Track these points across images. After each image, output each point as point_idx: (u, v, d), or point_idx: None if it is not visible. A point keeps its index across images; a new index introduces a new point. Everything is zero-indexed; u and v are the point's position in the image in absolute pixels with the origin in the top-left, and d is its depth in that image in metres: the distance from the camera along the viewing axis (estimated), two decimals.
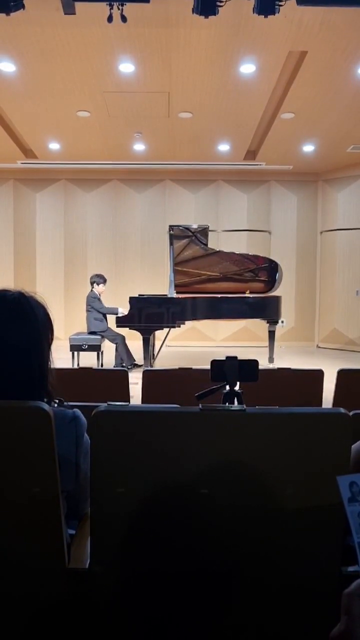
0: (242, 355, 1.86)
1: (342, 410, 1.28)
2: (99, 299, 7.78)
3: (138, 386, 2.97)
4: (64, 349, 7.31)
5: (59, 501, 1.31)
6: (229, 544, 1.32)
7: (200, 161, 9.80)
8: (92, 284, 7.91)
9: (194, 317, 7.57)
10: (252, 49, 5.64)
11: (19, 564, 1.35)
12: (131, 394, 3.00)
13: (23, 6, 4.50)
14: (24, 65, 6.04)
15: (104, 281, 7.92)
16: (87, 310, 7.78)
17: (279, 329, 8.66)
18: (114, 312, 7.64)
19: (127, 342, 7.72)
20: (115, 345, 7.66)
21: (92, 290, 7.87)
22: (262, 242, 10.60)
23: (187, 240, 7.97)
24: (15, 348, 1.37)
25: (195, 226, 8.20)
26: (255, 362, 1.83)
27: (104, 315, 7.75)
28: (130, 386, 2.96)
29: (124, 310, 7.45)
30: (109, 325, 7.74)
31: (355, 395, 2.80)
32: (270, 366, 7.56)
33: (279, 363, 7.78)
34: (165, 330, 7.72)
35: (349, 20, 4.99)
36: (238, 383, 1.85)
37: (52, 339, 1.46)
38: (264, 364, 7.61)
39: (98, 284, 7.86)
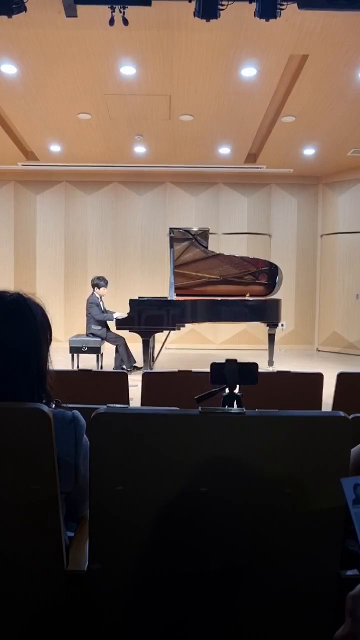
0: (242, 358, 1.86)
1: (341, 413, 1.28)
2: (97, 304, 7.69)
3: (137, 388, 2.96)
4: (64, 351, 7.30)
5: (58, 503, 1.31)
6: (228, 546, 1.32)
7: (200, 164, 9.81)
8: (93, 286, 7.82)
9: (194, 320, 7.57)
10: (253, 52, 5.66)
11: (18, 565, 1.35)
12: (130, 396, 2.99)
13: (25, 8, 4.50)
14: (25, 68, 6.05)
15: (106, 284, 7.81)
16: (87, 316, 7.74)
17: (279, 332, 8.66)
18: (109, 318, 7.59)
19: (127, 344, 7.71)
20: (115, 346, 7.65)
21: (92, 294, 7.76)
22: (262, 245, 10.61)
23: (188, 242, 7.98)
24: (14, 349, 1.37)
25: (195, 229, 8.20)
26: (255, 365, 1.83)
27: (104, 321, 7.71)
28: (130, 388, 2.95)
29: (121, 314, 7.41)
30: (109, 329, 7.71)
31: (355, 398, 2.80)
32: (270, 369, 7.56)
33: (279, 366, 7.78)
34: (165, 332, 7.71)
35: (350, 24, 5.00)
36: (238, 386, 1.85)
37: (50, 340, 1.45)
38: (263, 367, 7.63)
39: (99, 287, 7.77)
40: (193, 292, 8.07)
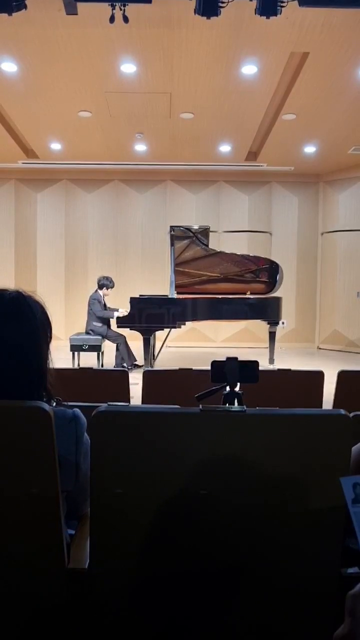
0: (243, 356, 1.86)
1: (342, 411, 1.28)
2: (99, 301, 7.71)
3: (138, 386, 2.97)
4: (65, 349, 7.31)
5: (59, 501, 1.31)
6: (228, 544, 1.32)
7: (201, 162, 9.80)
8: (99, 285, 7.82)
9: (195, 318, 7.57)
10: (253, 50, 5.65)
11: (19, 563, 1.35)
12: (131, 394, 3.00)
13: (25, 6, 4.50)
14: (25, 66, 6.05)
15: (112, 285, 7.85)
16: (88, 312, 7.74)
17: (280, 330, 8.65)
18: (110, 315, 7.59)
19: (128, 342, 7.70)
20: (116, 344, 7.65)
21: (96, 292, 7.78)
22: (263, 243, 10.60)
23: (188, 241, 7.97)
24: (14, 347, 1.37)
25: (196, 227, 8.20)
26: (255, 363, 1.83)
27: (105, 318, 7.70)
28: (131, 386, 2.96)
29: (123, 310, 7.42)
30: (110, 327, 7.71)
31: (356, 396, 2.80)
32: (271, 367, 7.55)
33: (280, 364, 7.77)
34: (166, 330, 7.71)
35: (351, 21, 4.99)
36: (238, 384, 1.84)
37: (50, 338, 1.45)
38: (264, 365, 7.63)
39: (106, 288, 7.77)
40: (194, 290, 8.06)
